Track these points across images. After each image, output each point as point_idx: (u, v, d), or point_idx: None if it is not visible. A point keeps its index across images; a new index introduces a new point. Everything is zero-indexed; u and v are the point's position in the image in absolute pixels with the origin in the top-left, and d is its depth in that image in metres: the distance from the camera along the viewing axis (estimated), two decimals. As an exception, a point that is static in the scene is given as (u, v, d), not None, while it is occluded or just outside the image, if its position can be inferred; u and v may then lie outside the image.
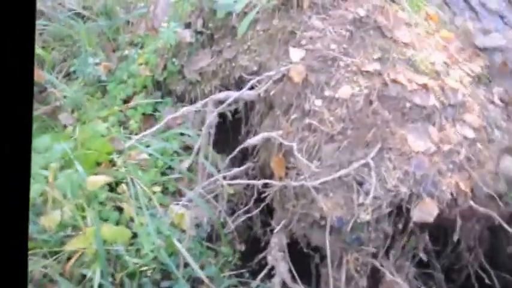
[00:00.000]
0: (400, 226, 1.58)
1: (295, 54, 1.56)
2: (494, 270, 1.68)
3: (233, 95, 1.53)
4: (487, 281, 1.66)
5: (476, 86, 1.71)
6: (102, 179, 1.64)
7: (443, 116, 1.59)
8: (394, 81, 1.57)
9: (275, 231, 1.48)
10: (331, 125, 1.48)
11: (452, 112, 1.61)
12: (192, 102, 1.90)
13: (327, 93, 1.52)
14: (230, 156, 1.57)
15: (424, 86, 1.58)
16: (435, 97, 1.58)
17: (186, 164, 1.85)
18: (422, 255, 1.55)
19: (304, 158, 1.43)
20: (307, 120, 1.47)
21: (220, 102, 1.60)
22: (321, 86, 1.50)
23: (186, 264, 1.63)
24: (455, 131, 1.58)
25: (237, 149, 1.49)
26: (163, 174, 1.87)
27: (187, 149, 1.90)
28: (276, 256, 1.52)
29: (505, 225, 1.54)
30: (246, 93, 1.57)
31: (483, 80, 1.75)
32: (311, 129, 1.47)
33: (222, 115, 1.85)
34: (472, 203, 1.53)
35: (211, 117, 1.51)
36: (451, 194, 1.51)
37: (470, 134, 1.58)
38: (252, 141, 1.45)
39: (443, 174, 1.51)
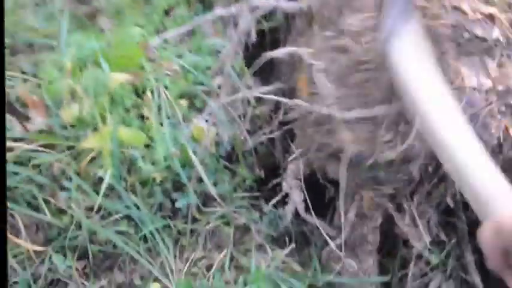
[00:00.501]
0: (430, 169, 1.44)
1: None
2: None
3: (273, 2, 1.40)
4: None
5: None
6: (125, 77, 1.59)
7: (506, 53, 1.40)
8: (455, 7, 1.38)
9: (291, 157, 1.38)
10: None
11: (515, 49, 1.41)
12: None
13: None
14: (254, 69, 1.46)
15: (490, 17, 1.39)
16: (500, 30, 1.38)
17: (217, 80, 1.76)
18: (450, 203, 1.41)
19: (329, 82, 1.30)
20: (342, 40, 1.32)
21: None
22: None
23: (200, 180, 1.58)
24: (516, 71, 1.39)
25: (261, 63, 1.37)
26: (193, 89, 1.79)
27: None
28: (291, 184, 1.43)
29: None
30: (287, 4, 1.43)
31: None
32: (345, 51, 1.33)
33: (260, 33, 1.75)
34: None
35: (246, 23, 1.39)
36: (498, 139, 1.34)
37: (532, 78, 1.39)
38: (274, 53, 1.33)
39: (494, 116, 1.34)
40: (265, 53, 1.36)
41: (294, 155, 1.38)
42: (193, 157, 1.48)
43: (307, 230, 1.64)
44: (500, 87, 1.34)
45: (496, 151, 1.33)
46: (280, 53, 1.34)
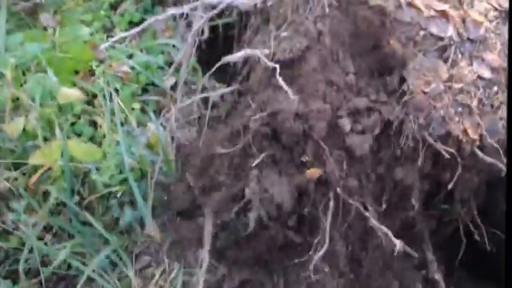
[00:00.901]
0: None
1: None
2: (485, 226, 1.54)
3: (227, 0, 1.33)
4: (476, 236, 1.53)
5: (502, 23, 1.48)
6: (75, 94, 1.49)
7: (461, 51, 1.39)
8: (410, 4, 1.36)
9: (255, 163, 1.34)
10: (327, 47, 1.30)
11: (470, 48, 1.40)
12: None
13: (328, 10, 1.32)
14: (209, 73, 1.40)
15: (443, 14, 1.37)
16: (454, 28, 1.37)
17: (170, 81, 1.69)
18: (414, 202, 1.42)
19: (287, 83, 1.26)
20: (299, 40, 1.28)
21: (213, 8, 1.41)
22: (321, 3, 1.29)
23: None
24: (471, 69, 1.38)
25: (216, 66, 1.31)
26: (144, 90, 1.71)
27: (175, 65, 1.73)
28: (255, 189, 1.39)
29: (511, 179, 1.38)
30: (241, 1, 1.37)
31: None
32: (303, 51, 1.29)
33: (214, 30, 1.68)
34: (478, 151, 1.37)
35: (200, 24, 1.32)
36: (457, 140, 1.35)
37: (487, 74, 1.39)
38: (231, 58, 1.28)
39: (452, 118, 1.34)
40: (223, 57, 1.29)
41: (257, 161, 1.35)
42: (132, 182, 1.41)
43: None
44: (456, 86, 1.34)
45: (456, 152, 1.33)
46: (237, 57, 1.29)
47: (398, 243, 1.29)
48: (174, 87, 1.69)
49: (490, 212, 1.63)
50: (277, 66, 1.23)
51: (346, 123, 1.33)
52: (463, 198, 1.54)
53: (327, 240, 1.31)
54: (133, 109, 1.65)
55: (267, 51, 1.31)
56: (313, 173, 1.32)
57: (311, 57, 1.29)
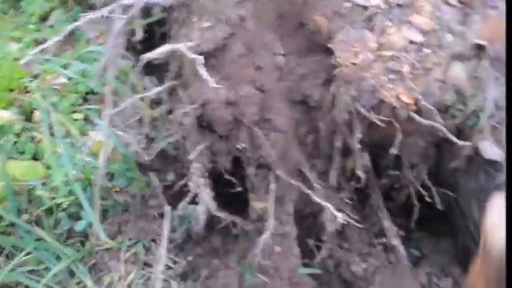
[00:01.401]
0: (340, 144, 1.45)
1: None
2: (436, 187, 1.55)
3: (144, -2, 1.31)
4: (427, 198, 1.54)
5: (429, -15, 1.48)
6: (9, 117, 1.46)
7: (389, 18, 1.39)
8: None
9: (191, 155, 1.33)
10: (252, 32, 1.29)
11: (399, 13, 1.40)
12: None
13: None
14: (138, 71, 1.38)
15: (366, -17, 1.37)
16: (378, -5, 1.37)
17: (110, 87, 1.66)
18: (361, 175, 1.42)
19: (215, 73, 1.25)
20: (222, 28, 1.26)
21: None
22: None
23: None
24: (401, 35, 1.38)
25: (139, 65, 1.29)
26: (85, 100, 1.69)
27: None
28: (198, 182, 1.38)
29: (451, 136, 1.39)
30: (162, -1, 1.35)
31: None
32: (227, 39, 1.27)
33: (149, 30, 1.65)
34: (414, 115, 1.37)
35: (119, 26, 1.30)
36: (392, 107, 1.35)
37: (418, 38, 1.39)
38: (151, 55, 1.25)
39: (384, 86, 1.34)
40: (143, 56, 1.27)
41: (193, 153, 1.33)
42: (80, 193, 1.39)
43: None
44: (386, 54, 1.33)
45: (393, 119, 1.33)
46: (158, 53, 1.26)
47: (340, 216, 1.29)
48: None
49: (439, 172, 1.65)
50: (199, 57, 1.21)
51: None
52: (412, 163, 1.55)
53: (272, 223, 1.31)
54: (75, 120, 1.63)
55: (190, 43, 1.29)
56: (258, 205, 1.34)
57: (235, 43, 1.28)
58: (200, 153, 1.37)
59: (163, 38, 1.66)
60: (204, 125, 1.33)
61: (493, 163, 1.45)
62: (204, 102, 1.27)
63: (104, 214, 1.53)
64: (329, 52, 1.35)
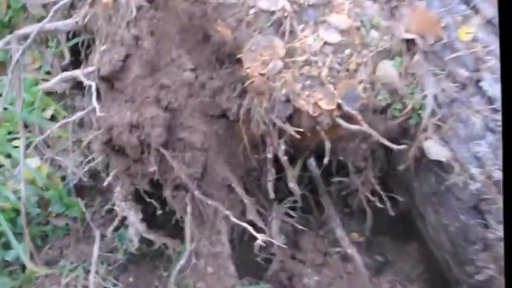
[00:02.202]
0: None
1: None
2: (387, 192, 1.46)
3: (36, 28, 1.28)
4: (377, 204, 1.45)
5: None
6: None
7: (303, 20, 1.30)
8: (234, -15, 1.27)
9: (108, 179, 1.30)
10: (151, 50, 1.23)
11: (314, 14, 1.31)
12: (42, 41, 1.66)
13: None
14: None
15: (272, -14, 1.28)
16: (286, -1, 1.27)
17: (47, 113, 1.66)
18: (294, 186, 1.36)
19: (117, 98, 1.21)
20: (117, 50, 1.22)
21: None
22: (130, 8, 1.22)
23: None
24: (317, 36, 1.29)
25: (39, 93, 1.27)
26: (26, 126, 1.68)
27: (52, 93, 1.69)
28: (122, 206, 1.35)
29: (384, 140, 1.30)
30: (60, 23, 1.32)
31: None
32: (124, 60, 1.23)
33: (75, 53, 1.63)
34: (340, 121, 1.28)
35: (17, 57, 1.28)
36: (311, 116, 1.26)
37: (335, 38, 1.29)
38: (46, 85, 1.23)
39: (299, 94, 1.26)
40: (40, 86, 1.25)
41: (108, 178, 1.30)
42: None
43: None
44: (299, 59, 1.24)
45: (315, 126, 1.25)
46: (53, 82, 1.23)
47: (260, 237, 1.22)
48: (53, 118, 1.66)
49: (394, 176, 1.55)
50: (91, 83, 1.17)
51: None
52: (359, 168, 1.46)
53: (189, 244, 1.27)
54: (16, 147, 1.63)
55: (91, 68, 1.25)
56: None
57: (133, 64, 1.23)
58: (120, 177, 1.34)
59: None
60: (117, 149, 1.29)
61: (440, 163, 1.34)
62: (109, 127, 1.23)
63: (45, 239, 1.53)
64: (240, 62, 1.28)
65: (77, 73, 1.23)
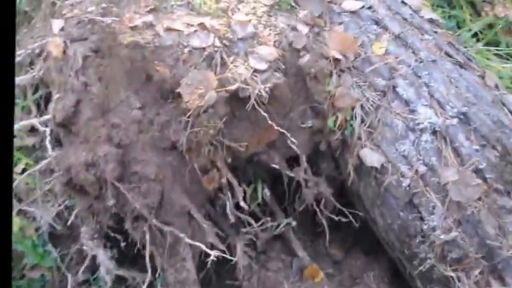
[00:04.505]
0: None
1: (56, 25, 1.44)
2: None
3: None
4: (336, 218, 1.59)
5: (275, 15, 1.55)
6: None
7: (234, 52, 1.45)
8: (169, 29, 1.43)
9: (70, 221, 1.40)
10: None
11: (243, 46, 1.46)
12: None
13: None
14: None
15: (203, 27, 1.44)
16: (215, 35, 1.43)
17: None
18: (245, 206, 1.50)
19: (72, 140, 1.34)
20: (68, 97, 1.36)
21: None
22: (76, 57, 1.37)
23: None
24: (248, 66, 1.44)
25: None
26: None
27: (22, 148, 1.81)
28: (89, 245, 1.44)
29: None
30: (19, 79, 1.47)
31: (284, 6, 1.58)
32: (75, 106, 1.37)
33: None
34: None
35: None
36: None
37: (263, 66, 1.44)
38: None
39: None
40: None
41: (72, 217, 1.42)
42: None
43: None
44: (231, 88, 1.38)
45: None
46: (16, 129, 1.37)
47: (213, 253, 1.32)
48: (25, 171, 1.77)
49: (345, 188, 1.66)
50: (45, 129, 1.30)
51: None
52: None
53: (149, 273, 1.36)
54: None
55: (47, 116, 1.38)
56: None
57: (84, 108, 1.37)
58: (84, 216, 1.44)
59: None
60: (78, 188, 1.40)
61: (376, 168, 1.46)
62: (68, 167, 1.35)
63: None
64: (181, 97, 1.41)
65: (34, 121, 1.36)
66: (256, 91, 1.39)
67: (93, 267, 1.57)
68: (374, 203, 1.52)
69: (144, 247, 1.42)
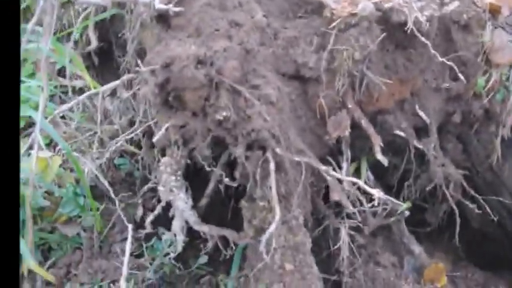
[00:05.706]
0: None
1: None
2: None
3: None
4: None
5: None
6: None
7: None
8: None
9: (155, 138, 1.01)
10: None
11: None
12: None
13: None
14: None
15: None
16: None
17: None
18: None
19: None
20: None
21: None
22: None
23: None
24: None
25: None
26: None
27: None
28: (169, 183, 1.04)
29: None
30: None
31: None
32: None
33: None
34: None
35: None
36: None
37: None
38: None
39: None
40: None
41: (157, 136, 1.01)
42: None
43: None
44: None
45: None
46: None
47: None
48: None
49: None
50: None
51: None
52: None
53: (278, 215, 0.97)
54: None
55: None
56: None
57: (198, -6, 1.05)
58: (169, 143, 1.05)
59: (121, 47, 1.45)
60: (171, 100, 1.02)
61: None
62: (168, 61, 0.98)
63: (47, 252, 1.15)
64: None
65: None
66: (413, 17, 1.11)
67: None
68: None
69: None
